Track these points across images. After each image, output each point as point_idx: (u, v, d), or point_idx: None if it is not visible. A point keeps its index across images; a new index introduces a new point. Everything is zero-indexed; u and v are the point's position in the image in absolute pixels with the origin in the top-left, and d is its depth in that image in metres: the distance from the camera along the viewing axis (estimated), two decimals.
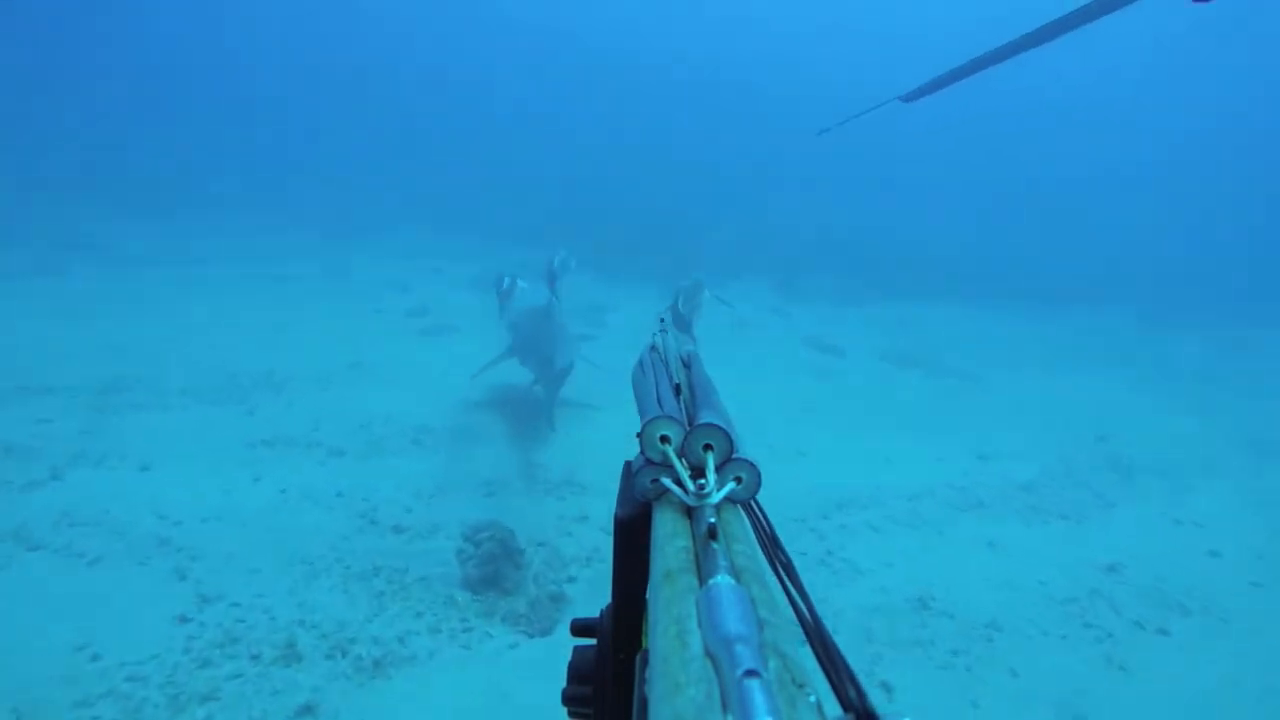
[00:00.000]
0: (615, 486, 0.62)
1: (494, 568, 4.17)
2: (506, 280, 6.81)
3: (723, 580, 0.40)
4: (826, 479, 6.12)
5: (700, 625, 0.37)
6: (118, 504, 4.40)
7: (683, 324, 5.64)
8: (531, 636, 3.80)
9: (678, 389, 0.77)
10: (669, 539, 0.49)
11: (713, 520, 0.48)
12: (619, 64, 29.89)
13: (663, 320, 1.13)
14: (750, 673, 0.32)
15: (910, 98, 4.06)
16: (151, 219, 13.16)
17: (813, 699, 0.33)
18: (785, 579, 0.50)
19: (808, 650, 0.40)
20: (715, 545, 0.46)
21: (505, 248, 13.77)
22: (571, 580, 4.29)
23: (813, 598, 0.46)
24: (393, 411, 6.25)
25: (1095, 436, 7.55)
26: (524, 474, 5.41)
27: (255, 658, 3.37)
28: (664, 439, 0.58)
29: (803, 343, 10.47)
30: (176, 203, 14.36)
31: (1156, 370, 10.89)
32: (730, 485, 0.55)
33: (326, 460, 5.35)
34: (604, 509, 4.06)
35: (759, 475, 0.57)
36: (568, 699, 0.67)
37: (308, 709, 3.14)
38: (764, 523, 0.57)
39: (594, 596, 4.04)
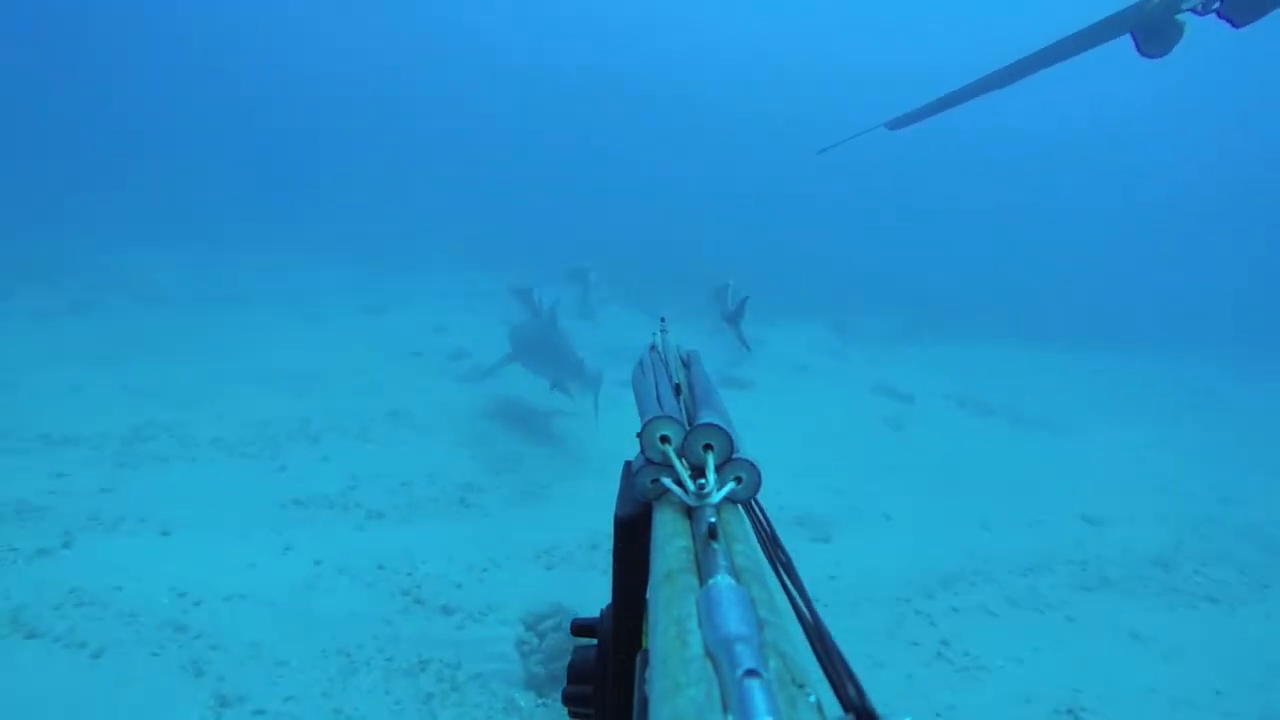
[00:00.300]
0: None
1: (562, 664, 3.52)
2: (536, 293, 7.60)
3: (723, 580, 0.40)
4: (921, 548, 5.39)
5: (700, 625, 0.37)
6: (132, 578, 3.85)
7: (731, 321, 6.19)
8: None
9: (678, 389, 0.77)
10: (669, 539, 0.50)
11: (713, 520, 0.48)
12: (647, 99, 29.98)
13: (663, 320, 1.16)
14: (750, 673, 0.31)
15: (896, 125, 3.92)
16: (185, 254, 13.00)
17: (813, 699, 0.33)
18: (785, 579, 0.49)
19: (808, 650, 0.39)
20: (715, 545, 0.45)
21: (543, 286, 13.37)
22: None
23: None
24: (436, 466, 5.68)
25: (1218, 500, 6.69)
26: (587, 542, 4.78)
27: None
28: (664, 439, 0.58)
29: (868, 388, 9.76)
30: (211, 236, 14.26)
31: (1263, 424, 9.93)
32: (730, 485, 0.55)
33: (365, 524, 4.78)
34: None
35: (759, 475, 0.57)
36: (568, 698, 0.67)
37: None
38: (764, 522, 0.56)
39: None
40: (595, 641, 0.69)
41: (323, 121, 27.11)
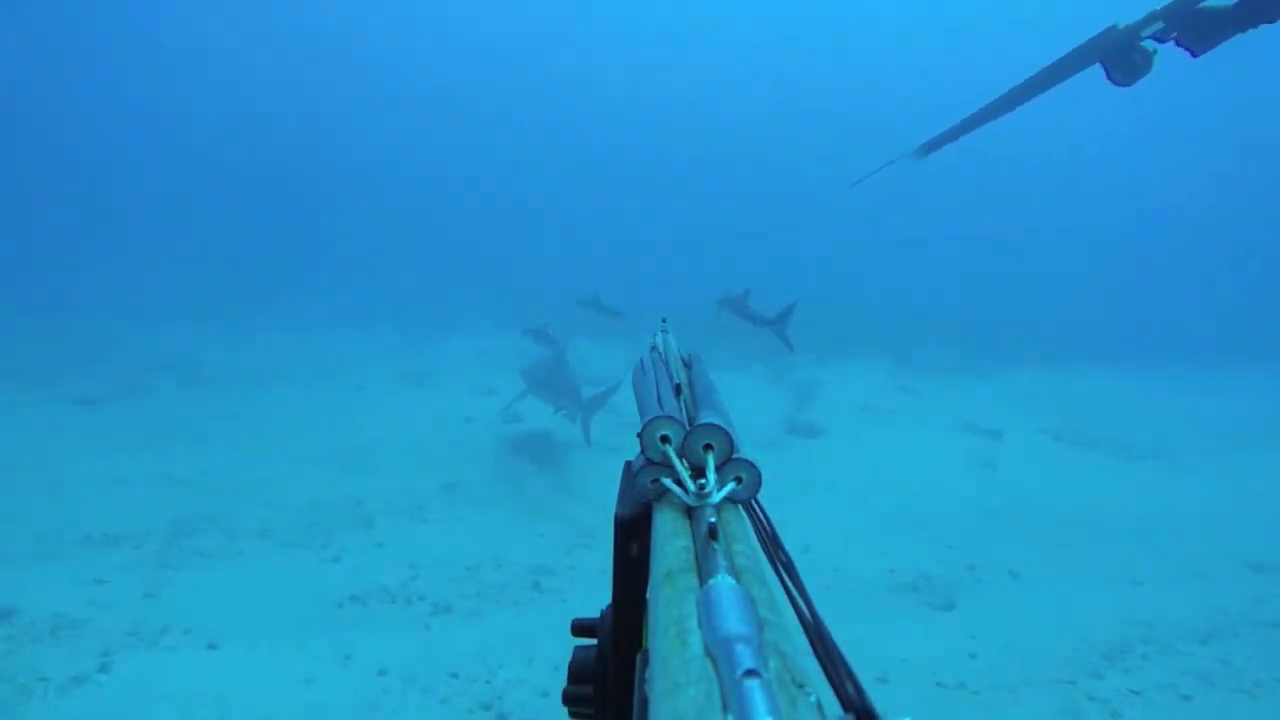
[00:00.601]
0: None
1: None
2: (549, 329, 8.30)
3: (723, 580, 0.40)
4: (1066, 613, 4.63)
5: (700, 625, 0.37)
6: (176, 708, 3.34)
7: (776, 325, 6.74)
8: None
9: (678, 389, 0.76)
10: (669, 539, 0.49)
11: (713, 520, 0.48)
12: (678, 139, 30.11)
13: (664, 320, 1.15)
14: (750, 673, 0.31)
15: (924, 151, 3.83)
16: (226, 331, 12.93)
17: (813, 699, 0.33)
18: (785, 579, 0.49)
19: (808, 650, 0.39)
20: (715, 545, 0.45)
21: (582, 343, 12.98)
22: None
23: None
24: (502, 546, 5.13)
25: None
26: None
27: None
28: (664, 439, 0.58)
29: (948, 425, 9.01)
30: (249, 311, 14.24)
31: None
32: (730, 485, 0.55)
33: (431, 622, 4.22)
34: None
35: (759, 475, 0.56)
36: (568, 699, 0.67)
37: None
38: (764, 522, 0.56)
39: None
40: (595, 641, 0.68)
41: (352, 190, 27.70)
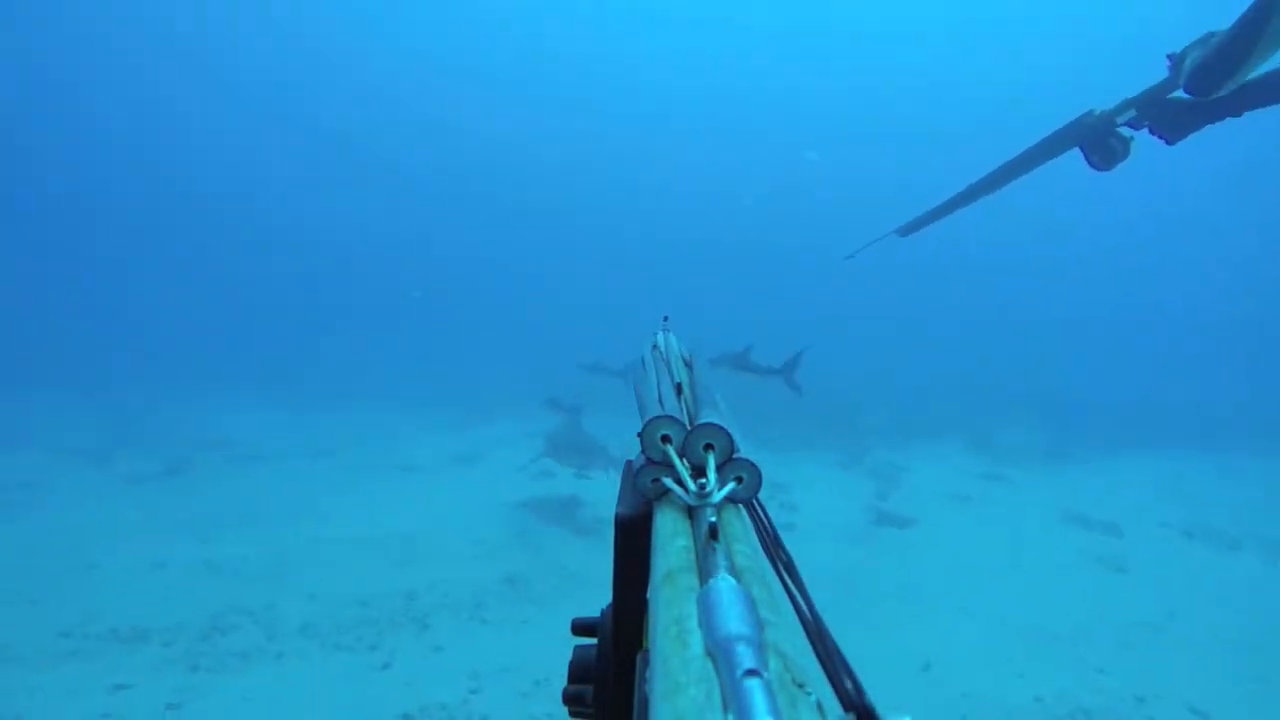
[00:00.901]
0: None
1: None
2: (565, 400, 8.63)
3: (723, 580, 0.40)
4: None
5: (701, 625, 0.37)
6: None
7: (786, 374, 6.97)
8: None
9: (679, 388, 0.76)
10: (670, 539, 0.49)
11: (713, 520, 0.48)
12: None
13: (665, 319, 1.14)
14: (751, 672, 0.31)
15: (905, 232, 3.74)
16: (275, 408, 12.78)
17: (814, 699, 0.32)
18: (786, 579, 0.48)
19: (809, 650, 0.38)
20: (716, 545, 0.45)
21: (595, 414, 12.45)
22: None
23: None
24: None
25: None
26: None
27: None
28: (665, 438, 0.58)
29: (1055, 518, 8.04)
30: (298, 388, 14.15)
31: None
32: (731, 485, 0.55)
33: None
34: None
35: (760, 475, 0.56)
36: (568, 698, 0.67)
37: None
38: (765, 522, 0.56)
39: None
40: (595, 641, 0.68)
41: (394, 271, 28.42)
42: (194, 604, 4.95)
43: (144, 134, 31.21)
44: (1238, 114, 2.19)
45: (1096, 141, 2.57)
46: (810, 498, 8.41)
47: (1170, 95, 2.30)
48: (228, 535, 6.42)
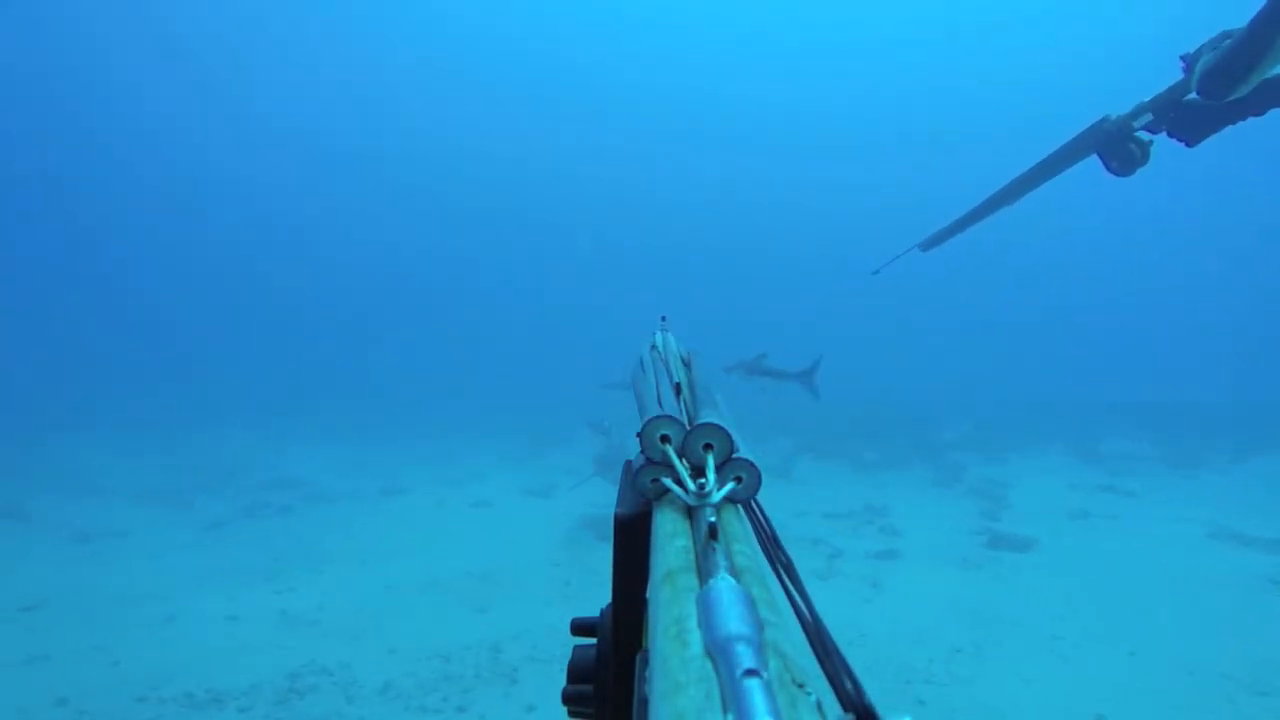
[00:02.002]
0: None
1: None
2: (606, 423, 9.07)
3: (723, 580, 0.39)
4: None
5: (700, 625, 0.36)
6: None
7: (805, 379, 7.14)
8: None
9: (678, 388, 0.76)
10: (669, 539, 0.49)
11: (713, 520, 0.47)
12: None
13: (663, 319, 1.11)
14: (750, 672, 0.31)
15: (926, 246, 3.65)
16: (348, 447, 12.76)
17: (813, 698, 0.32)
18: (785, 579, 0.49)
19: (808, 650, 0.38)
20: (715, 545, 0.45)
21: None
22: None
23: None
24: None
25: None
26: None
27: None
28: (664, 438, 0.57)
29: (1201, 534, 7.12)
30: (369, 426, 14.15)
31: None
32: (731, 485, 0.54)
33: None
34: None
35: (759, 475, 0.56)
36: (567, 698, 0.67)
37: None
38: (764, 522, 0.56)
39: None
40: (595, 641, 0.68)
41: (465, 302, 28.77)
42: (270, 662, 4.66)
43: (210, 187, 32.85)
44: (1260, 113, 2.10)
45: (1115, 147, 2.50)
46: (912, 521, 7.72)
47: (1187, 98, 2.22)
48: (302, 583, 6.18)
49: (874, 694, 0.33)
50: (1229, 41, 1.88)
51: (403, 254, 33.28)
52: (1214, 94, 1.96)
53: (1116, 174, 2.60)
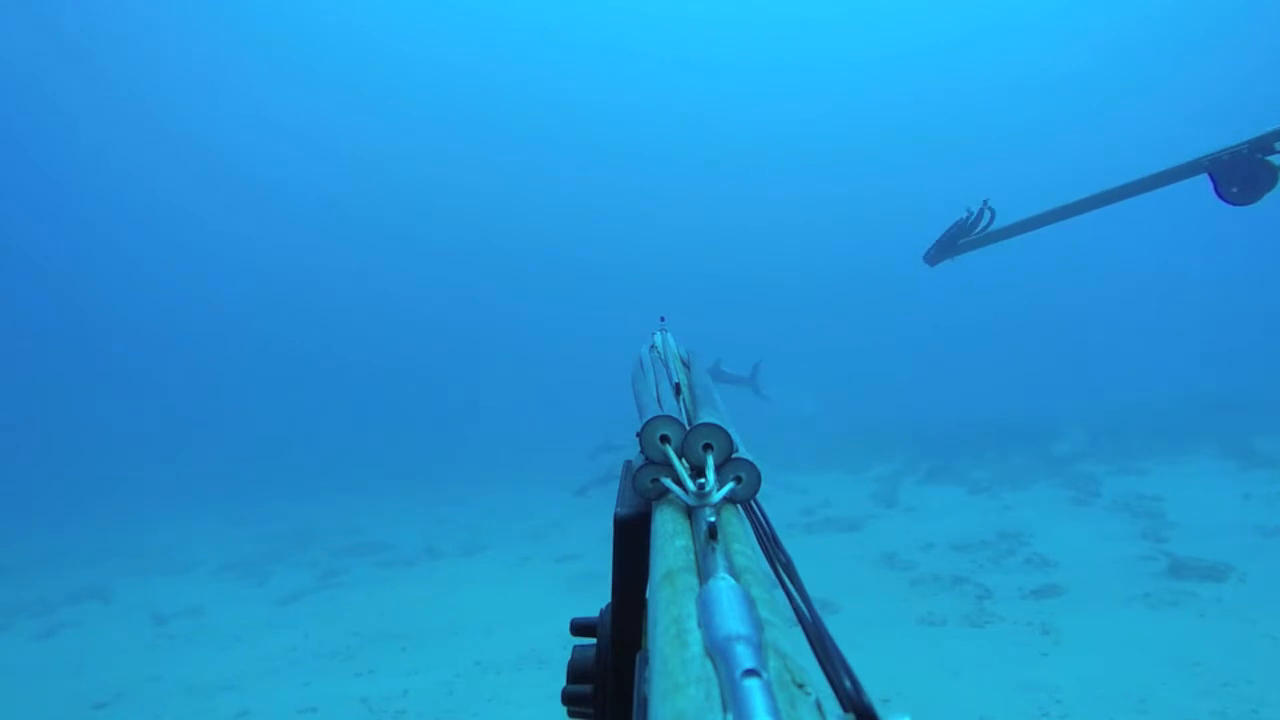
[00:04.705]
0: None
1: None
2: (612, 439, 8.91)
3: (723, 580, 0.39)
4: None
5: (700, 625, 0.36)
6: None
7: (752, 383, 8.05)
8: None
9: (678, 388, 0.76)
10: (669, 539, 0.49)
11: (712, 520, 0.47)
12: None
13: (663, 319, 1.11)
14: (750, 672, 0.31)
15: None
16: (421, 503, 12.36)
17: (813, 698, 0.32)
18: (785, 579, 0.49)
19: (808, 650, 0.38)
20: (715, 545, 0.45)
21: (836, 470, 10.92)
22: None
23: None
24: None
25: None
26: None
27: None
28: (664, 438, 0.57)
29: None
30: (444, 482, 13.74)
31: None
32: (730, 485, 0.54)
33: None
34: None
35: (759, 474, 0.56)
36: (567, 698, 0.66)
37: None
38: (764, 522, 0.55)
39: None
40: (594, 641, 0.68)
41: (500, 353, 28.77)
42: None
43: (284, 259, 34.15)
44: None
45: (1240, 171, 2.40)
46: (1061, 548, 6.66)
47: None
48: (383, 662, 5.65)
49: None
50: None
51: (445, 307, 33.97)
52: None
53: (1234, 201, 2.48)
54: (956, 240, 3.70)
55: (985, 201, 3.68)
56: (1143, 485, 8.82)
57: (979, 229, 3.60)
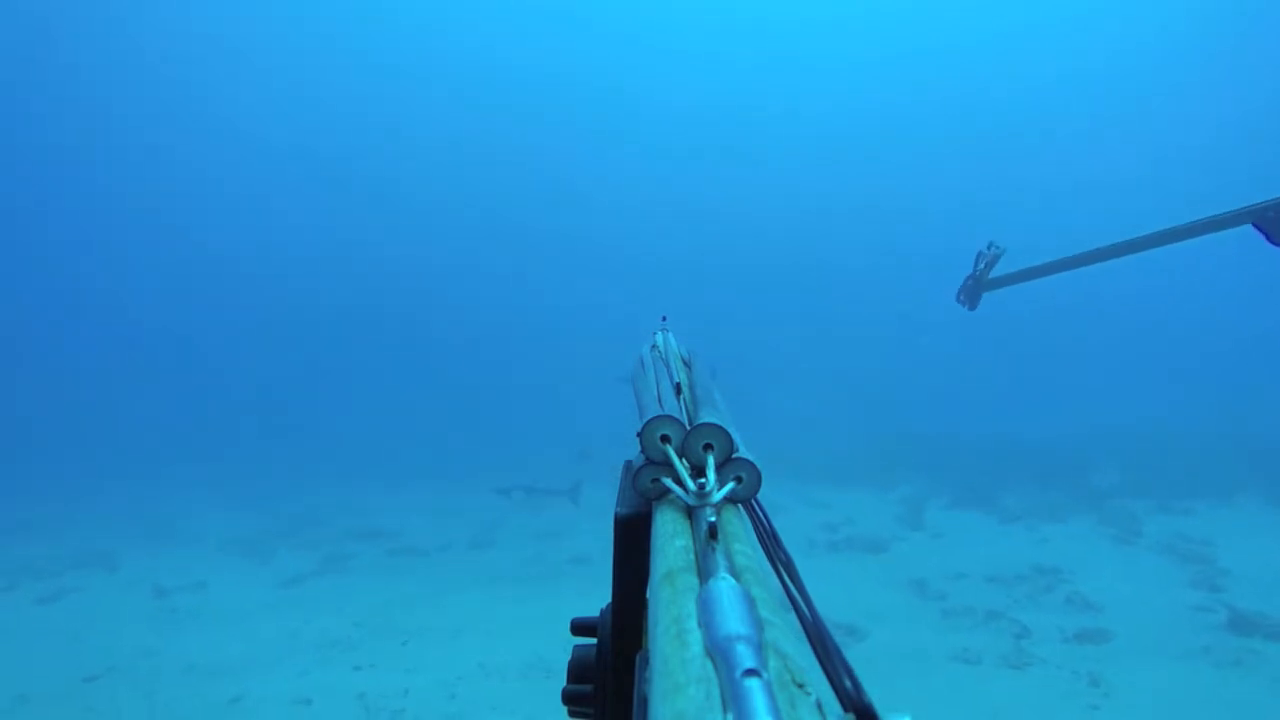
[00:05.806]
0: None
1: None
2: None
3: (723, 580, 0.39)
4: None
5: (700, 625, 0.36)
6: None
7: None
8: None
9: (678, 388, 0.76)
10: (669, 538, 0.48)
11: (713, 520, 0.47)
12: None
13: (664, 319, 1.11)
14: (750, 672, 0.30)
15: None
16: (433, 493, 12.09)
17: (813, 698, 0.32)
18: (785, 578, 0.48)
19: (808, 650, 0.38)
20: (715, 545, 0.44)
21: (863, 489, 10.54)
22: None
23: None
24: None
25: None
26: None
27: None
28: (664, 438, 0.57)
29: None
30: (459, 473, 13.49)
31: None
32: (731, 485, 0.54)
33: None
34: None
35: (759, 474, 0.55)
36: (567, 698, 0.65)
37: None
38: (764, 522, 0.55)
39: None
40: (595, 640, 0.67)
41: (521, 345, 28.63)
42: None
43: (298, 245, 34.31)
44: None
45: None
46: (1104, 588, 6.28)
47: None
48: (385, 657, 5.44)
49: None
50: None
51: (469, 290, 33.90)
52: None
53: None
54: (981, 281, 3.85)
55: (990, 243, 3.92)
56: (1188, 527, 8.36)
57: (986, 269, 3.77)
